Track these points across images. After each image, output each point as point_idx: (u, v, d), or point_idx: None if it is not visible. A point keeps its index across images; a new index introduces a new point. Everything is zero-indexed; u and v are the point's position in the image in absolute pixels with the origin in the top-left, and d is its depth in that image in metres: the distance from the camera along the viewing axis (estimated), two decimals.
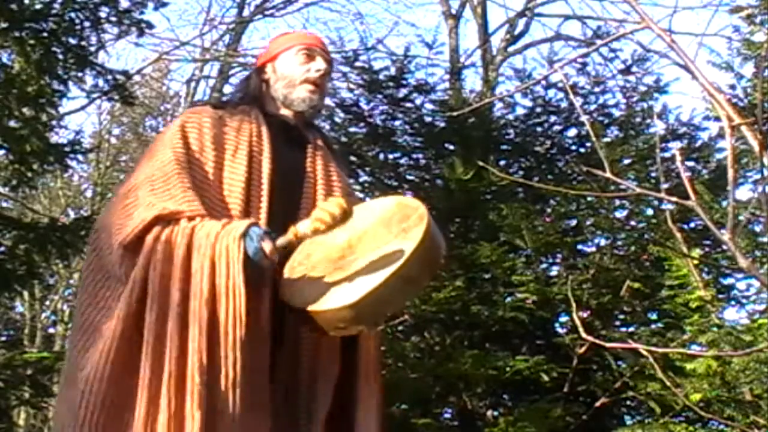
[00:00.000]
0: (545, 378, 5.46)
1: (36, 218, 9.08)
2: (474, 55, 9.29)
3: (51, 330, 14.51)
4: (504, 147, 6.77)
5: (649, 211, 5.95)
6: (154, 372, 2.29)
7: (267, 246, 2.38)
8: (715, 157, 6.34)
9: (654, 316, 5.87)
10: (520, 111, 6.89)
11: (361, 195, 6.15)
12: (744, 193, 5.77)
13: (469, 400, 5.87)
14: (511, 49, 9.90)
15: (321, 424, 2.53)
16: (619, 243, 5.93)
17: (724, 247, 4.56)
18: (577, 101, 6.54)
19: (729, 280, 5.52)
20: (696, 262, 4.78)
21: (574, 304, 4.57)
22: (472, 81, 13.70)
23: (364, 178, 6.66)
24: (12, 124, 6.68)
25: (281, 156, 2.64)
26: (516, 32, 10.13)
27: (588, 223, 6.04)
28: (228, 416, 2.28)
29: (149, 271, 2.36)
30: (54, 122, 7.77)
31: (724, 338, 4.27)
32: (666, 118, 6.56)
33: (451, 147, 6.67)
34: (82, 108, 12.24)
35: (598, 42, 7.17)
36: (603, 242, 6.02)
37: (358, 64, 7.03)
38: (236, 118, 2.67)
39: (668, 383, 4.03)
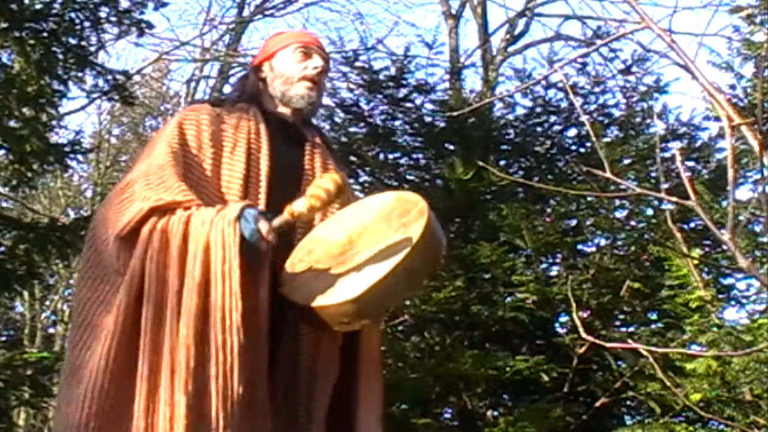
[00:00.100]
0: (545, 378, 5.46)
1: (36, 218, 9.08)
2: (474, 55, 9.31)
3: (51, 330, 14.50)
4: (504, 147, 6.77)
5: (649, 211, 5.95)
6: (153, 363, 2.29)
7: (263, 227, 2.38)
8: (715, 157, 6.35)
9: (654, 316, 5.87)
10: (520, 111, 6.91)
11: (361, 195, 6.14)
12: (744, 193, 5.78)
13: (469, 400, 5.87)
14: (511, 49, 9.90)
15: (321, 423, 2.53)
16: (619, 243, 5.93)
17: (724, 247, 4.56)
18: (577, 101, 6.54)
19: (729, 280, 5.53)
20: (696, 262, 4.78)
21: (574, 304, 4.57)
22: (472, 81, 13.72)
23: (364, 178, 6.66)
24: (12, 124, 6.68)
25: (279, 153, 2.64)
26: (516, 32, 10.13)
27: (588, 223, 6.04)
28: (228, 401, 2.27)
29: (146, 261, 2.36)
30: (54, 122, 7.76)
31: (724, 338, 4.27)
32: (666, 118, 6.57)
33: (451, 147, 6.67)
34: (82, 108, 12.24)
35: (598, 42, 7.17)
36: (603, 242, 6.03)
37: (358, 64, 7.03)
38: (234, 116, 2.67)
39: (668, 383, 4.03)
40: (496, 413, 5.98)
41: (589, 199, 6.03)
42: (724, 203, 5.00)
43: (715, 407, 4.43)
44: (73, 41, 6.79)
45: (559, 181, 6.33)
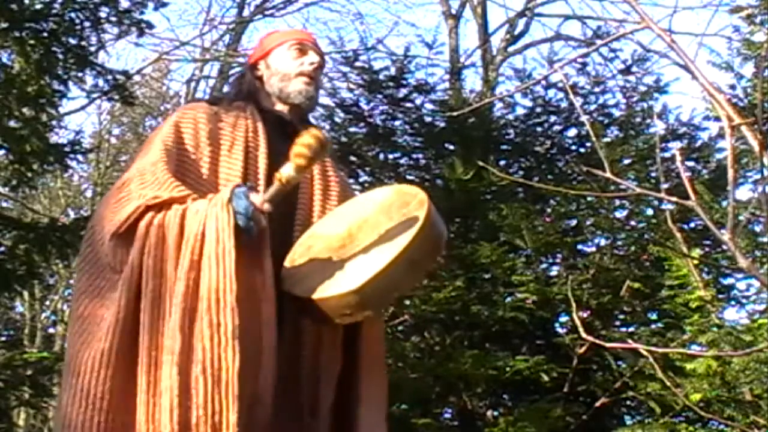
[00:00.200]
0: (545, 378, 5.46)
1: (36, 218, 9.08)
2: (474, 55, 9.31)
3: (51, 330, 14.50)
4: (504, 147, 6.77)
5: (649, 211, 5.95)
6: (153, 357, 2.29)
7: (256, 198, 2.39)
8: (715, 157, 6.35)
9: (654, 316, 5.87)
10: (520, 111, 6.91)
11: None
12: (744, 193, 5.78)
13: (469, 400, 5.87)
14: (511, 49, 9.90)
15: (326, 420, 2.52)
16: (619, 243, 5.93)
17: (724, 247, 4.56)
18: (577, 101, 6.54)
19: (729, 280, 5.53)
20: (696, 262, 4.78)
21: (574, 304, 4.57)
22: (472, 81, 13.70)
23: (364, 178, 6.66)
24: (12, 124, 6.67)
25: (277, 151, 2.64)
26: (516, 32, 10.13)
27: (588, 223, 6.04)
28: (222, 384, 2.25)
29: (143, 256, 2.36)
30: (54, 122, 7.76)
31: (724, 338, 4.27)
32: (666, 118, 6.57)
33: (451, 147, 6.67)
34: (82, 108, 12.24)
35: (598, 42, 7.17)
36: (603, 242, 6.03)
37: (358, 64, 7.03)
38: (232, 114, 2.67)
39: (668, 383, 4.03)
40: (496, 413, 5.98)
41: (589, 199, 6.03)
42: (724, 203, 5.00)
43: (715, 407, 4.43)
44: (73, 41, 6.78)
45: (559, 181, 6.33)
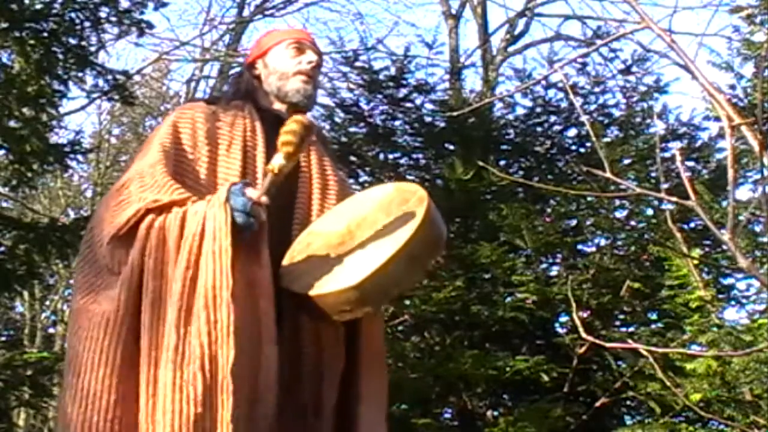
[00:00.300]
0: (545, 378, 5.46)
1: (36, 218, 9.07)
2: (474, 55, 9.30)
3: (51, 330, 14.50)
4: (504, 147, 6.77)
5: (649, 211, 5.95)
6: (151, 356, 2.30)
7: (253, 193, 2.39)
8: (715, 157, 6.35)
9: (654, 316, 5.87)
10: (520, 111, 6.91)
11: None
12: (744, 193, 5.78)
13: (469, 400, 5.87)
14: (511, 49, 9.90)
15: (330, 418, 2.52)
16: (619, 243, 5.93)
17: (724, 247, 4.56)
18: (577, 101, 6.54)
19: (729, 280, 5.53)
20: (696, 262, 4.78)
21: (574, 304, 4.57)
22: (472, 81, 13.71)
23: (364, 178, 6.66)
24: (12, 124, 6.67)
25: (275, 151, 2.64)
26: (516, 32, 10.13)
27: (588, 223, 6.04)
28: (217, 381, 2.25)
29: (144, 257, 2.37)
30: (54, 122, 7.76)
31: (724, 338, 4.27)
32: (666, 118, 6.57)
33: (451, 147, 6.67)
34: (82, 108, 12.22)
35: (598, 42, 7.17)
36: (603, 242, 6.03)
37: (358, 64, 7.03)
38: (230, 113, 2.67)
39: (668, 383, 4.04)
40: (496, 413, 5.98)
41: (589, 199, 6.03)
42: (724, 203, 5.00)
43: (715, 407, 4.43)
44: (73, 41, 6.78)
45: (559, 181, 6.33)
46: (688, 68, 2.47)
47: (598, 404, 5.55)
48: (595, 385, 5.60)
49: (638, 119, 6.62)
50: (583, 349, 5.47)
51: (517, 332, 5.87)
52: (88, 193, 15.28)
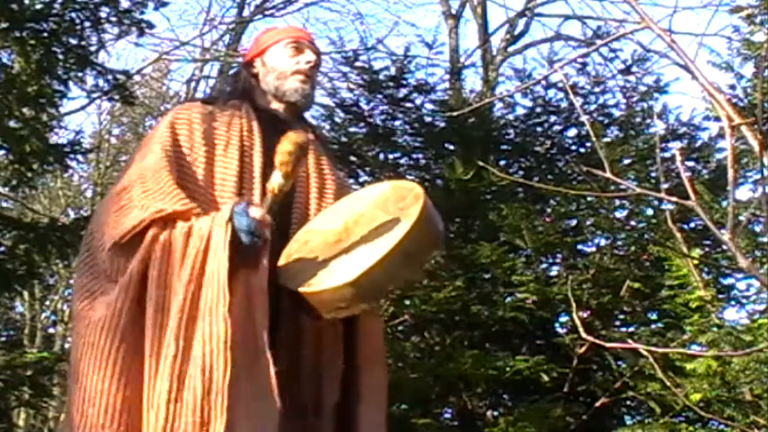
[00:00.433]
0: (545, 378, 5.46)
1: (36, 218, 9.07)
2: (474, 55, 9.30)
3: (51, 330, 14.50)
4: (504, 147, 6.77)
5: (649, 211, 5.95)
6: (151, 367, 2.32)
7: (256, 212, 2.41)
8: (715, 157, 6.34)
9: (654, 316, 5.87)
10: (520, 111, 6.90)
11: None
12: (744, 193, 5.78)
13: (469, 400, 5.87)
14: (511, 49, 9.89)
15: (330, 418, 2.52)
16: (619, 243, 5.93)
17: (724, 247, 4.56)
18: (577, 101, 6.54)
19: (729, 280, 5.53)
20: (696, 262, 4.78)
21: (574, 304, 4.57)
22: (472, 81, 13.69)
23: (364, 178, 6.65)
24: (12, 124, 6.67)
25: (272, 150, 2.64)
26: (516, 32, 10.12)
27: (588, 223, 6.04)
28: (212, 393, 2.26)
29: (149, 270, 2.37)
30: (54, 122, 7.76)
31: (724, 338, 4.27)
32: (666, 118, 6.57)
33: (451, 147, 6.67)
34: (83, 108, 12.21)
35: (598, 42, 7.17)
36: (603, 242, 6.03)
37: (358, 64, 7.03)
38: (226, 113, 2.67)
39: (668, 383, 4.03)
40: (496, 413, 5.98)
41: (589, 199, 6.03)
42: (724, 203, 5.00)
43: (715, 407, 4.43)
44: (73, 41, 6.77)
45: (559, 181, 6.33)
46: (688, 68, 2.47)
47: (598, 404, 5.55)
48: (595, 385, 5.60)
49: (638, 119, 6.61)
50: (583, 349, 5.47)
51: (517, 332, 5.87)
52: (88, 193, 15.28)
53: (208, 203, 2.51)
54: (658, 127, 6.68)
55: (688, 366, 4.51)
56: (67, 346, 12.04)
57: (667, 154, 6.35)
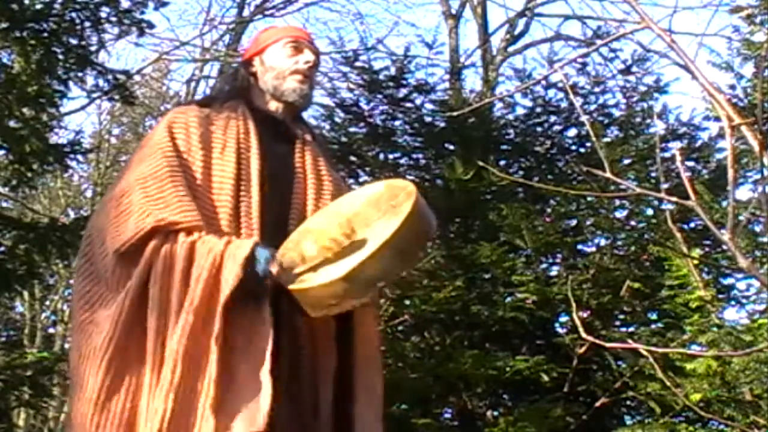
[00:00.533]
0: (545, 378, 5.46)
1: (36, 218, 9.06)
2: (474, 55, 9.30)
3: (51, 330, 14.50)
4: (504, 147, 6.77)
5: (649, 211, 5.95)
6: (151, 375, 2.33)
7: (275, 269, 2.41)
8: (715, 157, 6.35)
9: (654, 316, 5.87)
10: (520, 111, 6.90)
11: None
12: (744, 193, 5.78)
13: (469, 400, 5.87)
14: (511, 49, 9.89)
15: (328, 418, 2.52)
16: (619, 243, 5.93)
17: (724, 247, 4.56)
18: (577, 101, 6.54)
19: (729, 280, 5.53)
20: (696, 262, 4.78)
21: (574, 304, 4.57)
22: (472, 81, 13.68)
23: (364, 178, 6.65)
24: (12, 124, 6.67)
25: (269, 152, 2.64)
26: (516, 32, 10.12)
27: (588, 223, 6.04)
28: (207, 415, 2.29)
29: (150, 284, 2.38)
30: (54, 122, 7.76)
31: (724, 338, 4.27)
32: (666, 118, 6.57)
33: (451, 147, 6.67)
34: (83, 108, 12.20)
35: (598, 42, 7.17)
36: (603, 242, 6.03)
37: (358, 64, 7.03)
38: (223, 116, 2.66)
39: (668, 383, 4.04)
40: (496, 413, 5.98)
41: (589, 199, 6.03)
42: (724, 203, 5.00)
43: (715, 407, 4.43)
44: (73, 41, 6.78)
45: (559, 181, 6.33)
46: (688, 68, 2.47)
47: (598, 404, 5.55)
48: (595, 385, 5.60)
49: (638, 119, 6.61)
50: (583, 349, 5.47)
51: (517, 332, 5.87)
52: (88, 193, 15.28)
53: (206, 208, 2.50)
54: (658, 127, 6.69)
55: (688, 366, 4.51)
56: (67, 346, 12.03)
57: (667, 154, 6.35)
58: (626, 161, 6.11)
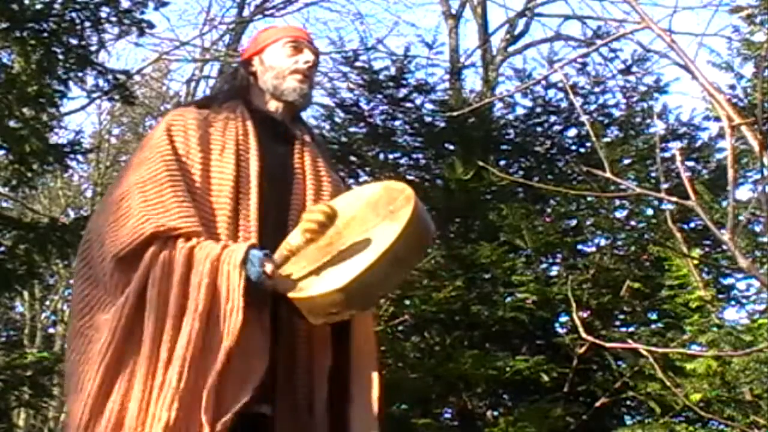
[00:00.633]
0: (545, 378, 5.46)
1: (36, 218, 9.07)
2: (474, 55, 9.30)
3: (51, 330, 14.51)
4: (504, 147, 6.77)
5: (649, 211, 5.95)
6: (147, 380, 2.31)
7: (269, 268, 2.40)
8: (715, 157, 6.35)
9: (654, 316, 5.87)
10: (520, 111, 6.91)
11: None
12: (744, 193, 5.78)
13: (469, 400, 5.87)
14: (511, 49, 9.89)
15: (323, 418, 2.52)
16: (619, 243, 5.93)
17: (724, 247, 4.56)
18: (577, 101, 6.54)
19: (729, 280, 5.54)
20: (696, 262, 4.78)
21: (574, 304, 4.57)
22: (472, 81, 13.67)
23: (364, 178, 6.66)
24: (12, 124, 6.67)
25: (268, 153, 2.63)
26: (516, 32, 10.12)
27: (588, 223, 6.04)
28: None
29: (148, 288, 2.36)
30: (54, 122, 7.76)
31: (724, 338, 4.27)
32: (666, 118, 6.58)
33: (451, 147, 6.67)
34: (83, 108, 12.21)
35: (598, 42, 7.17)
36: (603, 242, 6.03)
37: (358, 64, 7.03)
38: (221, 117, 2.66)
39: (668, 383, 4.04)
40: (496, 413, 5.98)
41: (589, 199, 6.03)
42: (724, 203, 5.00)
43: (715, 407, 4.43)
44: (73, 41, 6.78)
45: (559, 181, 6.33)
46: (688, 68, 2.47)
47: (598, 404, 5.55)
48: (595, 385, 5.60)
49: (638, 119, 6.62)
50: (583, 349, 5.48)
51: (517, 332, 5.87)
52: (88, 193, 15.29)
53: (205, 210, 2.50)
54: (658, 127, 6.69)
55: (688, 366, 4.52)
56: (66, 346, 12.03)
57: (667, 154, 6.35)
58: (626, 161, 6.11)
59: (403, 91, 6.84)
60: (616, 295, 5.69)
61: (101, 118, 15.19)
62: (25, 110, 6.71)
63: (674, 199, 2.58)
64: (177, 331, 2.33)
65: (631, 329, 5.84)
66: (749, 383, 4.35)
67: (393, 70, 6.89)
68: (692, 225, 5.95)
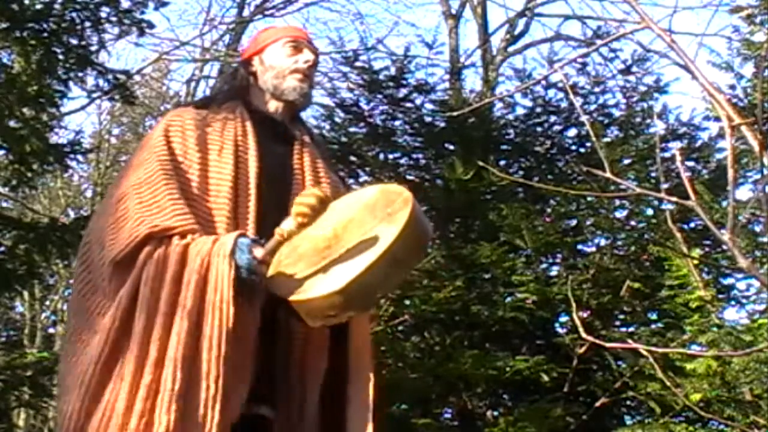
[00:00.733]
0: (545, 378, 5.46)
1: (36, 218, 9.07)
2: (474, 55, 9.30)
3: (51, 330, 14.51)
4: (504, 147, 6.77)
5: (649, 211, 5.95)
6: (134, 379, 2.29)
7: (258, 252, 2.39)
8: (715, 157, 6.35)
9: (654, 316, 5.87)
10: (520, 111, 6.91)
11: None
12: (744, 193, 5.78)
13: (469, 400, 5.87)
14: (511, 49, 9.89)
15: (313, 421, 2.52)
16: (619, 243, 5.93)
17: (724, 247, 4.56)
18: (577, 101, 6.54)
19: (729, 280, 5.54)
20: (696, 262, 4.78)
21: (574, 304, 4.57)
22: (472, 81, 13.69)
23: (364, 178, 6.66)
24: (12, 124, 6.67)
25: (267, 153, 2.63)
26: (516, 32, 10.12)
27: (588, 223, 6.04)
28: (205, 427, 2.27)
29: (140, 287, 2.36)
30: (54, 122, 7.76)
31: (724, 338, 4.27)
32: (666, 118, 6.58)
33: (451, 147, 6.67)
34: (83, 108, 12.22)
35: (598, 42, 7.17)
36: (603, 242, 6.03)
37: (358, 64, 7.03)
38: (220, 118, 2.65)
39: (668, 383, 4.04)
40: (496, 413, 5.98)
41: (589, 199, 6.03)
42: (724, 203, 5.00)
43: (715, 407, 4.43)
44: (73, 41, 6.79)
45: (559, 181, 6.33)
46: (688, 68, 2.47)
47: (598, 404, 5.55)
48: (595, 385, 5.60)
49: (638, 119, 6.62)
50: (583, 349, 5.48)
51: (517, 332, 5.87)
52: (88, 193, 15.28)
53: (203, 211, 2.50)
54: (658, 127, 6.69)
55: (688, 366, 4.52)
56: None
57: (667, 154, 6.35)
58: (626, 161, 6.11)
59: (403, 91, 6.84)
60: (616, 295, 5.69)
61: (101, 118, 15.20)
62: (25, 110, 6.72)
63: (674, 199, 2.58)
64: (167, 329, 2.31)
65: (631, 329, 5.84)
66: (749, 383, 4.36)
67: (393, 70, 6.89)
68: (692, 225, 5.96)
